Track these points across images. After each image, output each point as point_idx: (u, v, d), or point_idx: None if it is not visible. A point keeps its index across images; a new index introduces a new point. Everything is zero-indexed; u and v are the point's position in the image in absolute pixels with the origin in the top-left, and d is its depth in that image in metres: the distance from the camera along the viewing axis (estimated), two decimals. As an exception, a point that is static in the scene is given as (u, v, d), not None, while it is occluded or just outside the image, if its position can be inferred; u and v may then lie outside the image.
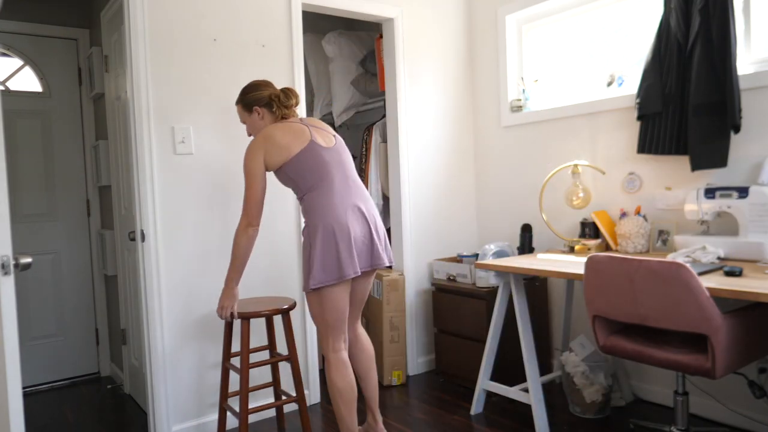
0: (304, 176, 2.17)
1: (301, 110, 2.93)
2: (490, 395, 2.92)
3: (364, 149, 3.85)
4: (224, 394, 2.46)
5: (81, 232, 3.61)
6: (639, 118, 2.63)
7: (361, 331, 2.43)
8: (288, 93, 2.28)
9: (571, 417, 2.68)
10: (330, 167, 2.19)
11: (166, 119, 2.55)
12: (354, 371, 2.36)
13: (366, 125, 4.31)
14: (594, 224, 2.83)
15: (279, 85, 2.87)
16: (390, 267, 2.59)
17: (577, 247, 2.74)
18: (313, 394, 2.98)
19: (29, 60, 3.45)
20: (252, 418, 2.77)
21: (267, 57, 2.82)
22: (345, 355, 2.22)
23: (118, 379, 3.50)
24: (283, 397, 2.68)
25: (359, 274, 2.15)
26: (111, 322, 3.60)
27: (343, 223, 2.12)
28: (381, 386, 3.20)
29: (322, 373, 3.42)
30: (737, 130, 2.37)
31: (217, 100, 2.68)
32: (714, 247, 2.25)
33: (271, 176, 2.55)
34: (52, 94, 3.52)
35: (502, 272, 2.61)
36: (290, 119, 2.29)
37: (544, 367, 3.15)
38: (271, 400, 2.83)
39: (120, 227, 3.21)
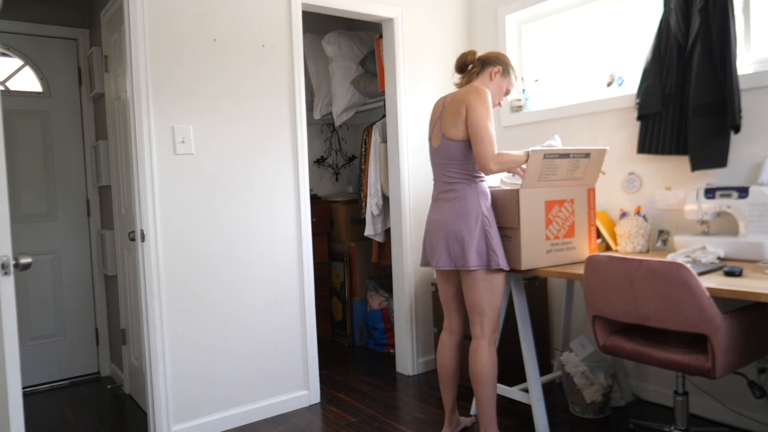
0: None
1: (300, 110, 2.93)
2: (490, 395, 2.91)
3: (363, 149, 3.85)
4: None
5: (81, 232, 3.61)
6: (639, 118, 2.63)
7: (473, 342, 2.33)
8: None
9: (571, 417, 2.68)
10: None
11: (166, 119, 2.55)
12: None
13: (366, 125, 4.31)
14: (594, 224, 2.83)
15: (279, 86, 2.87)
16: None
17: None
18: (313, 394, 2.98)
19: (29, 60, 3.45)
20: (252, 418, 2.77)
21: (267, 57, 2.82)
22: (444, 335, 2.50)
23: (118, 379, 3.50)
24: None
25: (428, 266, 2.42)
26: (111, 322, 3.60)
27: None
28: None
29: (323, 373, 3.43)
30: (737, 130, 2.37)
31: (217, 100, 2.68)
32: (714, 247, 2.25)
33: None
34: (52, 94, 3.52)
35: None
36: None
37: (544, 367, 3.15)
38: (275, 400, 2.84)
39: (120, 227, 3.21)
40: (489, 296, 2.28)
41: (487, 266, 2.24)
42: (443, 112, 2.32)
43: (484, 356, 2.28)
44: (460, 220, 2.24)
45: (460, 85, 2.42)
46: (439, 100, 2.40)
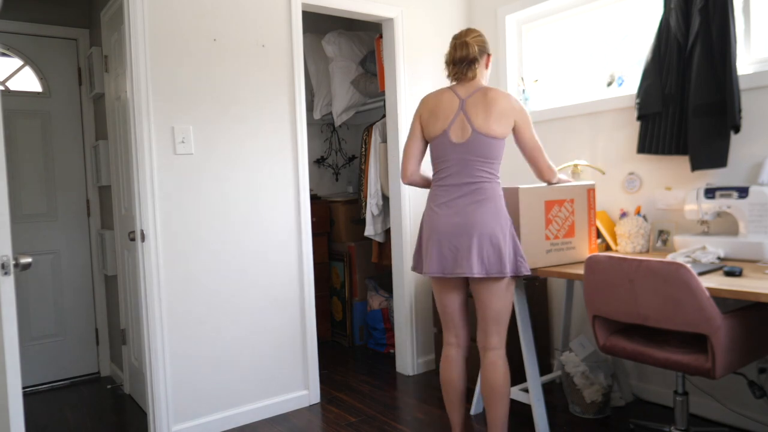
0: None
1: (300, 110, 2.93)
2: (490, 395, 2.91)
3: (363, 149, 3.85)
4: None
5: (81, 232, 3.61)
6: (639, 118, 2.63)
7: (490, 353, 2.16)
8: None
9: (571, 417, 2.68)
10: None
11: (166, 119, 2.55)
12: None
13: (366, 125, 4.31)
14: (594, 224, 2.83)
15: (279, 86, 2.87)
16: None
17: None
18: (313, 394, 2.98)
19: (29, 60, 3.45)
20: (252, 418, 2.77)
21: (267, 57, 2.82)
22: (451, 350, 2.27)
23: (118, 379, 3.50)
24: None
25: (430, 275, 2.15)
26: (111, 322, 3.60)
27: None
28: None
29: (323, 373, 3.42)
30: (737, 130, 2.37)
31: (217, 100, 2.68)
32: (714, 247, 2.25)
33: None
34: (52, 94, 3.52)
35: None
36: None
37: (544, 367, 3.15)
38: (275, 400, 2.84)
39: (120, 227, 3.21)
40: (508, 303, 2.16)
41: (516, 273, 2.09)
42: (468, 108, 2.12)
43: (504, 369, 2.15)
44: (495, 222, 2.06)
45: (454, 77, 2.21)
46: (445, 94, 2.19)
